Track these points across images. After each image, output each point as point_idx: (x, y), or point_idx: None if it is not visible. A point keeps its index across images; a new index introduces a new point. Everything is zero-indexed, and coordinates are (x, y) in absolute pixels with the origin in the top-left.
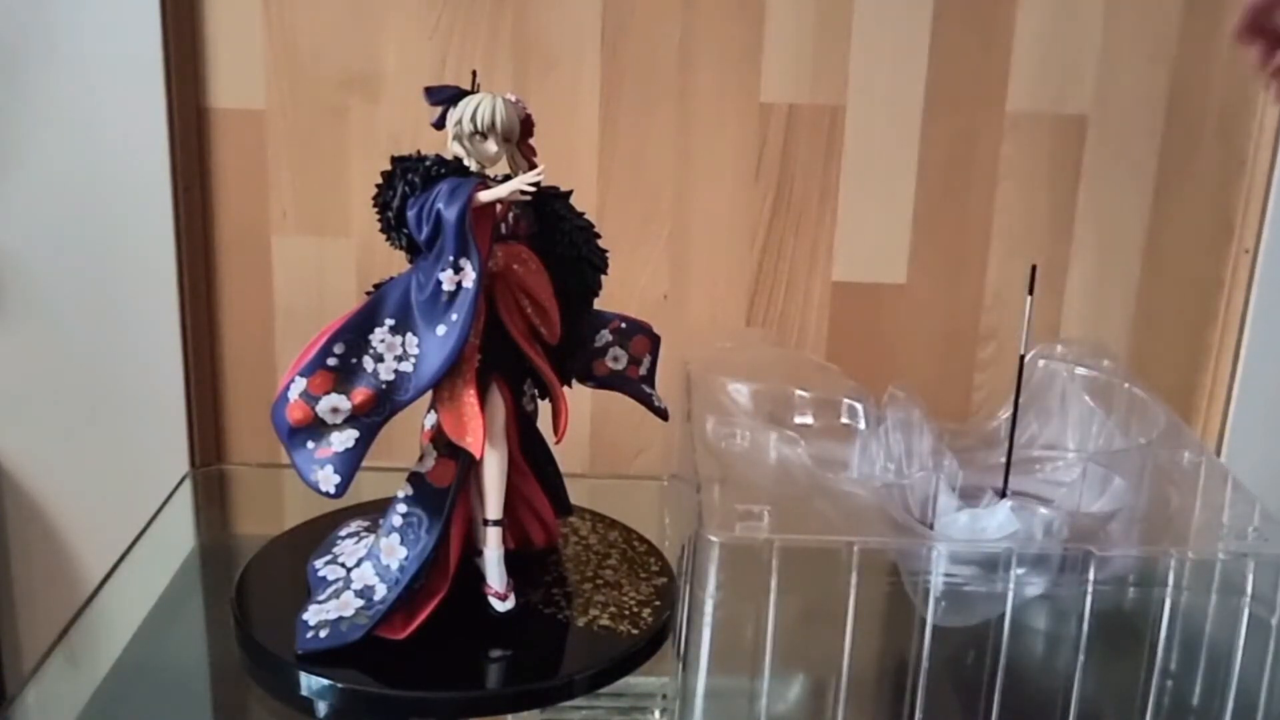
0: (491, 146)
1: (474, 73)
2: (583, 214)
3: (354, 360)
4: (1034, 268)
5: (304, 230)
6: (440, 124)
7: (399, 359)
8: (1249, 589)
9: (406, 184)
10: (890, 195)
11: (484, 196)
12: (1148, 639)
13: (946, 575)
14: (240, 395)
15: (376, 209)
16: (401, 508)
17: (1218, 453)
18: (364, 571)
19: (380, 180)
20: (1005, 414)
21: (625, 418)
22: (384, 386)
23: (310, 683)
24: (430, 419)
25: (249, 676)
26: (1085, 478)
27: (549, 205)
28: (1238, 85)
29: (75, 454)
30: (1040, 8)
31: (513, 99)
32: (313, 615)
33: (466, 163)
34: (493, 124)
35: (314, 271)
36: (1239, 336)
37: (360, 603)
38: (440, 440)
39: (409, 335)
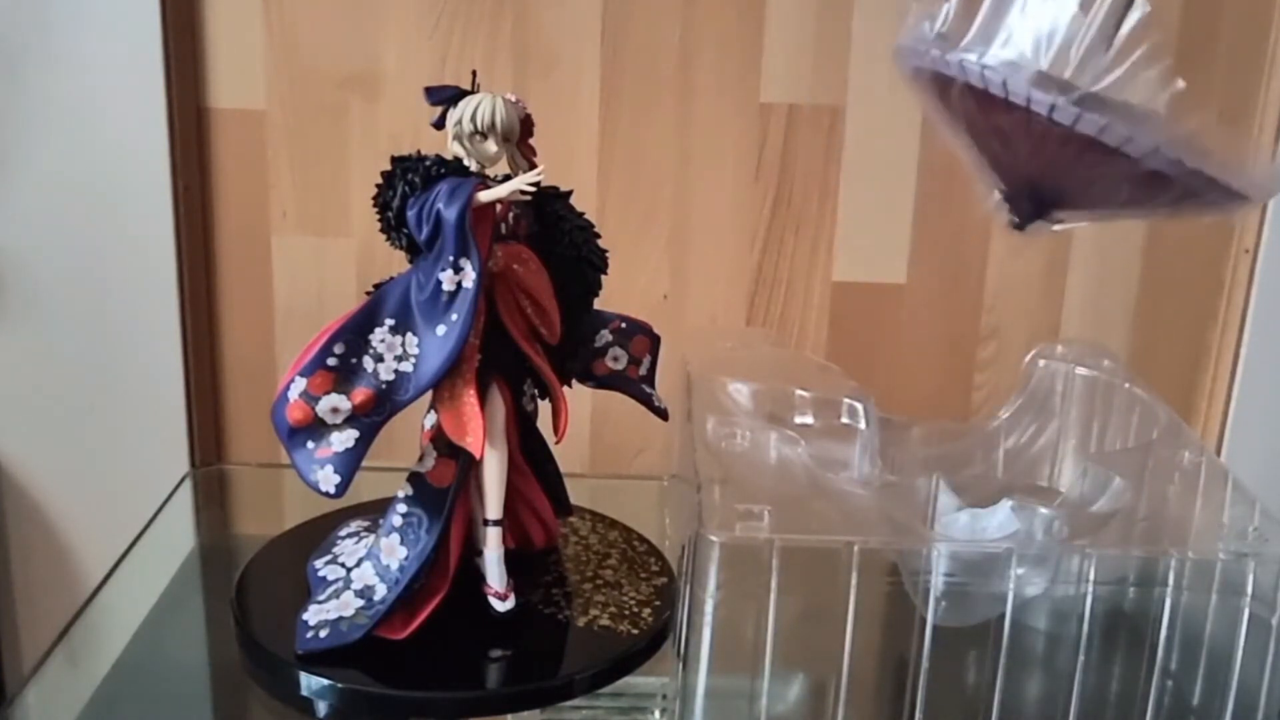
0: (491, 146)
1: (474, 73)
2: (583, 214)
3: (354, 360)
4: None
5: (304, 230)
6: (440, 124)
7: (399, 359)
8: (1249, 589)
9: (406, 184)
10: (890, 195)
11: (484, 196)
12: (1148, 639)
13: (946, 575)
14: (240, 395)
15: (376, 209)
16: (401, 508)
17: (1218, 453)
18: (364, 571)
19: (380, 180)
20: (1006, 414)
21: (625, 418)
22: (384, 386)
23: (310, 683)
24: (430, 419)
25: (249, 676)
26: (1085, 478)
27: (549, 205)
28: (1237, 86)
29: (75, 454)
30: None
31: (513, 99)
32: (313, 615)
33: (466, 163)
34: (493, 124)
35: (314, 271)
36: (1239, 336)
37: (360, 603)
38: (440, 440)
39: (409, 335)
